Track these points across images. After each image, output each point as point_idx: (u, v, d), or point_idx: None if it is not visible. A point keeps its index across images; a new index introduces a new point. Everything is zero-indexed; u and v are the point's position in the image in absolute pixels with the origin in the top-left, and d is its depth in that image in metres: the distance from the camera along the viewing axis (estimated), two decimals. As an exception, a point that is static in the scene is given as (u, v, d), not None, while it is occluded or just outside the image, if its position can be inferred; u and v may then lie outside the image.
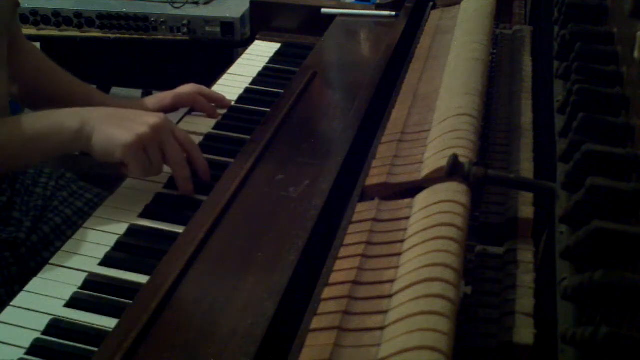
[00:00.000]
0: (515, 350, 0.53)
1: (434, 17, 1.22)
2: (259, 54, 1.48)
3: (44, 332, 0.76)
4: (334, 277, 0.58)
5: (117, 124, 0.94)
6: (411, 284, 0.52)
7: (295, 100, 1.12)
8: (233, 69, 1.41)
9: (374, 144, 0.79)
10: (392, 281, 0.55)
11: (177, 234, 0.84)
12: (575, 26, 0.63)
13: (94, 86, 1.40)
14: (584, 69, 0.58)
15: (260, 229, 0.82)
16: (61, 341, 0.75)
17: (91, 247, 0.89)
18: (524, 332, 0.54)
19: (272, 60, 1.45)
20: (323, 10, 1.52)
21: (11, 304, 0.80)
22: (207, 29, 1.82)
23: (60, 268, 0.85)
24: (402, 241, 0.60)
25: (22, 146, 0.96)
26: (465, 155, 0.66)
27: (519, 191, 0.68)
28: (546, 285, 0.56)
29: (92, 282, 0.83)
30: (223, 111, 1.23)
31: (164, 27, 1.83)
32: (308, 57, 1.33)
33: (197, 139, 1.09)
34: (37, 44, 1.74)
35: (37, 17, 1.84)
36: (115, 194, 1.00)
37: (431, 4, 1.31)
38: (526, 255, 0.63)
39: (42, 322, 0.77)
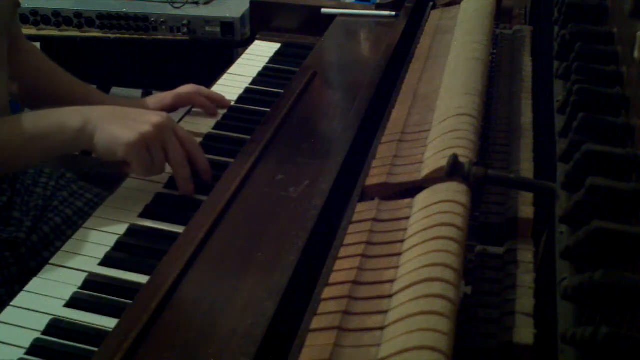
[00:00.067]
0: (515, 350, 0.53)
1: (434, 17, 1.22)
2: (259, 54, 1.48)
3: (44, 332, 0.76)
4: (334, 277, 0.58)
5: (119, 122, 0.94)
6: (411, 284, 0.52)
7: (295, 100, 1.12)
8: (233, 69, 1.41)
9: (374, 144, 0.79)
10: (392, 281, 0.55)
11: (177, 234, 0.84)
12: (575, 26, 0.63)
13: (94, 86, 1.40)
14: (584, 69, 0.58)
15: (260, 229, 0.82)
16: (61, 341, 0.75)
17: (91, 247, 0.89)
18: (524, 332, 0.54)
19: (272, 60, 1.45)
20: (323, 10, 1.52)
21: (11, 304, 0.80)
22: (207, 29, 1.82)
23: (60, 268, 0.85)
24: (402, 241, 0.60)
25: (23, 145, 0.96)
26: (465, 155, 0.66)
27: (519, 191, 0.68)
28: (546, 285, 0.56)
29: (92, 282, 0.83)
30: (223, 111, 1.23)
31: (164, 27, 1.83)
32: (308, 57, 1.33)
33: (197, 139, 1.09)
34: (37, 44, 1.74)
35: (37, 17, 1.84)
36: (115, 194, 1.00)
37: (431, 4, 1.31)
38: (526, 255, 0.63)
39: (42, 322, 0.77)
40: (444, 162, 0.65)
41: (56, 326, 0.77)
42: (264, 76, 1.38)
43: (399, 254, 0.58)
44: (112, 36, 1.86)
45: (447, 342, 0.46)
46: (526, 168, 0.74)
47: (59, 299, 0.80)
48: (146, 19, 1.83)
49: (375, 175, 0.72)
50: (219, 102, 1.24)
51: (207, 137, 1.15)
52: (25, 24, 1.81)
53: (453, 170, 0.63)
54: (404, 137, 0.77)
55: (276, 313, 0.63)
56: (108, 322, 0.76)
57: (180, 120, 1.20)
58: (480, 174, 0.62)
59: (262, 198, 0.88)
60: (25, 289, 0.82)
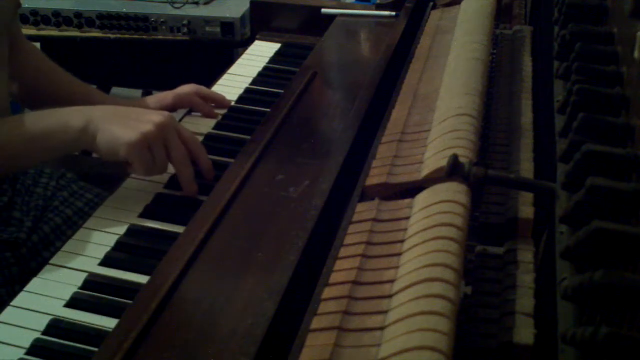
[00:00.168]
0: (515, 350, 0.53)
1: (434, 17, 1.22)
2: (259, 54, 1.48)
3: (44, 332, 0.76)
4: (334, 277, 0.58)
5: (121, 122, 0.94)
6: (411, 284, 0.52)
7: (295, 100, 1.12)
8: (233, 69, 1.41)
9: (374, 144, 0.79)
10: (392, 281, 0.55)
11: (177, 234, 0.84)
12: (575, 26, 0.63)
13: (94, 86, 1.40)
14: (584, 69, 0.58)
15: (260, 229, 0.82)
16: (61, 341, 0.75)
17: (91, 247, 0.89)
18: (524, 332, 0.54)
19: (272, 60, 1.45)
20: (323, 10, 1.52)
21: (11, 304, 0.80)
22: (207, 29, 1.82)
23: (61, 268, 0.85)
24: (402, 241, 0.60)
25: (24, 145, 0.96)
26: (465, 155, 0.66)
27: (519, 191, 0.68)
28: (546, 285, 0.56)
29: (92, 282, 0.83)
30: (223, 111, 1.23)
31: (164, 27, 1.83)
32: (308, 57, 1.33)
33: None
34: (37, 44, 1.74)
35: (37, 17, 1.84)
36: (115, 194, 1.00)
37: (431, 4, 1.31)
38: (526, 255, 0.63)
39: (42, 322, 0.77)
40: (444, 162, 0.65)
41: (56, 326, 0.77)
42: (264, 76, 1.38)
43: (399, 254, 0.58)
44: (112, 36, 1.86)
45: (447, 342, 0.46)
46: (526, 168, 0.74)
47: (59, 299, 0.80)
48: (146, 19, 1.83)
49: (375, 175, 0.72)
50: (219, 102, 1.24)
51: (207, 137, 1.15)
52: (25, 24, 1.81)
53: (453, 170, 0.63)
54: (404, 137, 0.77)
55: (276, 313, 0.63)
56: (108, 322, 0.76)
57: (180, 120, 1.20)
58: (480, 174, 0.62)
59: (262, 198, 0.88)
60: (25, 289, 0.82)
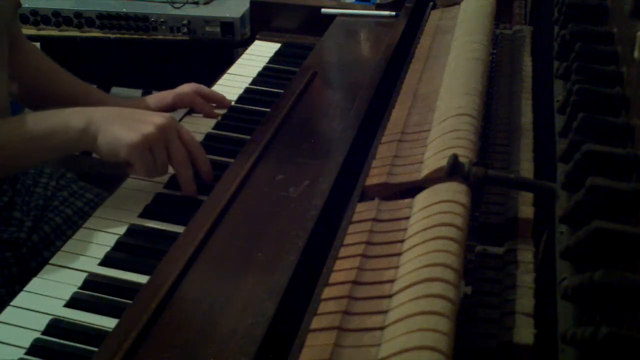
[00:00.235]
0: (515, 350, 0.53)
1: (434, 17, 1.22)
2: (259, 54, 1.48)
3: (44, 332, 0.76)
4: (334, 277, 0.58)
5: (123, 123, 0.94)
6: (411, 284, 0.52)
7: (295, 100, 1.12)
8: (233, 69, 1.41)
9: (374, 144, 0.79)
10: (392, 281, 0.55)
11: (177, 234, 0.84)
12: (575, 26, 0.63)
13: (94, 86, 1.40)
14: (584, 69, 0.58)
15: (260, 229, 0.82)
16: (61, 341, 0.75)
17: (91, 247, 0.89)
18: (524, 332, 0.54)
19: (272, 60, 1.45)
20: (323, 10, 1.52)
21: (11, 304, 0.80)
22: (207, 29, 1.82)
23: (61, 268, 0.85)
24: (402, 241, 0.60)
25: (25, 145, 0.96)
26: (465, 155, 0.66)
27: (519, 191, 0.68)
28: (546, 285, 0.56)
29: (92, 282, 0.83)
30: (223, 111, 1.23)
31: (164, 27, 1.83)
32: (308, 57, 1.33)
33: (197, 139, 1.09)
34: (37, 44, 1.74)
35: (37, 17, 1.84)
36: (115, 194, 1.00)
37: (431, 4, 1.31)
38: (526, 255, 0.63)
39: (42, 322, 0.77)
40: (444, 162, 0.65)
41: (56, 326, 0.77)
42: (264, 76, 1.38)
43: (399, 254, 0.58)
44: (112, 36, 1.86)
45: (447, 342, 0.46)
46: (526, 168, 0.74)
47: (59, 299, 0.80)
48: (146, 19, 1.83)
49: (375, 175, 0.72)
50: (219, 102, 1.24)
51: (207, 137, 1.15)
52: (25, 24, 1.81)
53: (453, 170, 0.63)
54: (404, 137, 0.77)
55: (276, 313, 0.63)
56: (108, 322, 0.76)
57: (180, 120, 1.20)
58: (480, 174, 0.62)
59: (262, 198, 0.88)
60: (25, 289, 0.82)
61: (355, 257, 0.59)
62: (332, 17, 1.50)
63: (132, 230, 0.92)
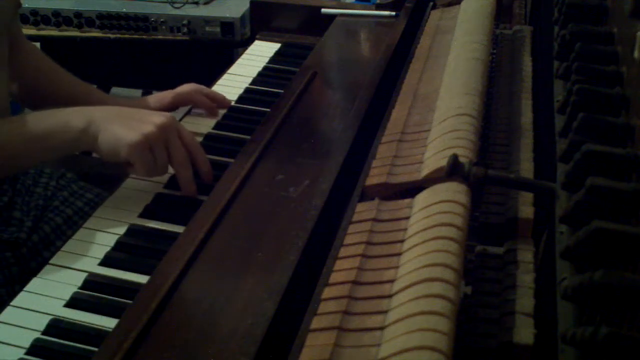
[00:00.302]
0: (515, 350, 0.53)
1: (434, 17, 1.22)
2: (259, 54, 1.48)
3: (44, 332, 0.76)
4: (334, 277, 0.58)
5: (123, 123, 0.94)
6: (411, 284, 0.52)
7: (295, 100, 1.12)
8: (233, 69, 1.41)
9: (374, 144, 0.79)
10: (392, 281, 0.55)
11: (177, 234, 0.84)
12: (575, 26, 0.63)
13: (94, 86, 1.40)
14: (584, 69, 0.58)
15: (260, 229, 0.82)
16: (61, 341, 0.75)
17: (91, 247, 0.89)
18: (524, 332, 0.54)
19: (272, 60, 1.45)
20: (323, 10, 1.52)
21: (11, 304, 0.80)
22: (207, 29, 1.82)
23: (61, 268, 0.85)
24: (402, 241, 0.60)
25: (25, 145, 0.96)
26: (465, 155, 0.66)
27: (519, 191, 0.68)
28: (546, 285, 0.56)
29: (92, 282, 0.83)
30: (223, 111, 1.23)
31: (164, 27, 1.83)
32: (308, 57, 1.33)
33: (197, 139, 1.09)
34: (37, 44, 1.74)
35: (37, 17, 1.83)
36: (115, 194, 1.00)
37: (431, 4, 1.31)
38: (526, 255, 0.63)
39: (42, 322, 0.77)
40: (444, 162, 0.65)
41: (56, 326, 0.77)
42: (264, 76, 1.38)
43: (399, 254, 0.58)
44: (112, 36, 1.86)
45: (447, 342, 0.46)
46: (526, 168, 0.74)
47: (59, 299, 0.80)
48: (146, 19, 1.83)
49: (375, 175, 0.72)
50: (219, 101, 1.24)
51: (207, 137, 1.15)
52: (25, 24, 1.81)
53: (453, 170, 0.63)
54: (404, 137, 0.77)
55: (276, 313, 0.63)
56: (108, 322, 0.76)
57: (180, 120, 1.20)
58: (480, 174, 0.62)
59: (262, 198, 0.88)
60: (25, 289, 0.82)
61: (355, 257, 0.59)
62: (332, 17, 1.50)
63: (132, 230, 0.92)
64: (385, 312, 0.52)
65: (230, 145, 1.10)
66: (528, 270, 0.61)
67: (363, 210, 0.67)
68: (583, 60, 0.58)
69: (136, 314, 0.68)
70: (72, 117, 0.95)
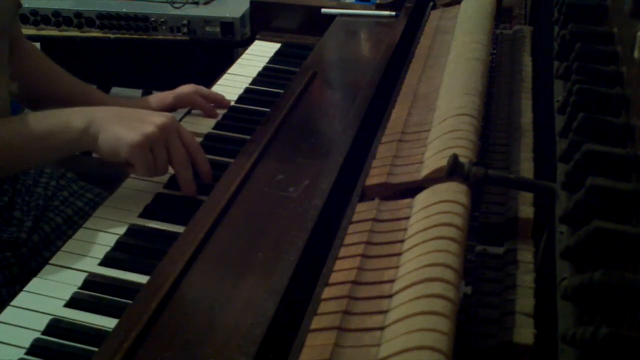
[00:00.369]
0: (515, 350, 0.53)
1: (434, 17, 1.22)
2: (259, 54, 1.48)
3: (44, 332, 0.76)
4: (334, 277, 0.58)
5: (123, 123, 0.94)
6: (411, 283, 0.52)
7: (295, 100, 1.12)
8: (233, 69, 1.41)
9: (374, 144, 0.79)
10: (392, 281, 0.55)
11: (177, 234, 0.84)
12: (575, 26, 0.63)
13: (94, 86, 1.40)
14: (584, 69, 0.58)
15: (260, 229, 0.82)
16: (61, 341, 0.75)
17: (91, 247, 0.89)
18: (524, 332, 0.54)
19: (272, 60, 1.45)
20: (323, 10, 1.52)
21: (11, 304, 0.80)
22: (207, 29, 1.82)
23: (61, 268, 0.85)
24: (402, 241, 0.60)
25: (26, 145, 0.96)
26: (465, 155, 0.66)
27: (519, 191, 0.68)
28: (546, 285, 0.56)
29: (92, 282, 0.83)
30: (223, 111, 1.23)
31: (164, 27, 1.83)
32: (308, 57, 1.33)
33: (197, 139, 1.09)
34: (37, 44, 1.74)
35: (37, 17, 1.83)
36: (115, 194, 1.00)
37: (431, 4, 1.31)
38: (526, 255, 0.63)
39: (42, 322, 0.77)
40: (444, 162, 0.65)
41: (56, 326, 0.77)
42: (264, 76, 1.38)
43: (399, 254, 0.58)
44: (112, 36, 1.86)
45: (447, 342, 0.46)
46: (526, 168, 0.74)
47: (59, 299, 0.80)
48: (146, 19, 1.83)
49: (375, 175, 0.72)
50: (219, 102, 1.24)
51: (207, 137, 1.15)
52: (25, 24, 1.81)
53: (453, 170, 0.63)
54: (404, 137, 0.77)
55: (276, 313, 0.63)
56: (108, 322, 0.76)
57: (180, 120, 1.20)
58: (480, 174, 0.62)
59: (262, 198, 0.88)
60: (25, 289, 0.82)
61: (355, 257, 0.59)
62: (332, 17, 1.50)
63: (132, 230, 0.92)
64: (385, 312, 0.52)
65: (230, 145, 1.11)
66: (528, 270, 0.61)
67: (363, 210, 0.67)
68: (583, 60, 0.58)
69: (136, 314, 0.68)
70: (73, 118, 0.95)
